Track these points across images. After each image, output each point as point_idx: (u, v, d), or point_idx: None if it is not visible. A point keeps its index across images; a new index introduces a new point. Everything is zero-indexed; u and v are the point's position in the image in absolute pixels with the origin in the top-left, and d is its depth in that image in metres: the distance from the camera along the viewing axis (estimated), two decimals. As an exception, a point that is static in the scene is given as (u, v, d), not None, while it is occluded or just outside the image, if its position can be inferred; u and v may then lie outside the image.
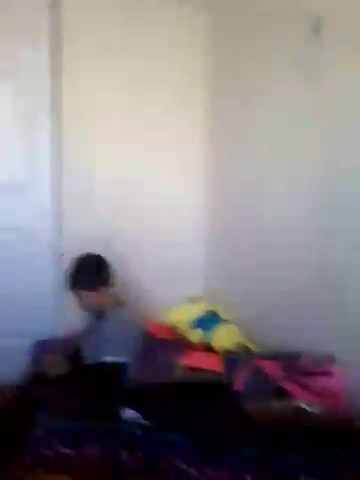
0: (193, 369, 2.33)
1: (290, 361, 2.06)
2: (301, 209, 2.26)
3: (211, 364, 2.33)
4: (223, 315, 2.61)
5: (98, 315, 2.38)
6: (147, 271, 3.04)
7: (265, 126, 2.49)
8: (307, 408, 1.79)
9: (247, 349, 2.34)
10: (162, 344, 2.66)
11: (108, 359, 2.19)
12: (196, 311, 2.68)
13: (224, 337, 2.43)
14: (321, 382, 1.92)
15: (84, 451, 1.69)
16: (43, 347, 2.58)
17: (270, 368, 2.04)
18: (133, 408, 1.92)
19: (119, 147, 2.97)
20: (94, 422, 1.82)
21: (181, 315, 2.70)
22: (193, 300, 2.79)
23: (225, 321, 2.56)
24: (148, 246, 3.05)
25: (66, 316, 2.93)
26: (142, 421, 1.85)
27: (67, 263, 2.49)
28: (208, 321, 2.57)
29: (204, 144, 3.04)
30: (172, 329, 2.71)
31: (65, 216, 2.93)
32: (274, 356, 2.13)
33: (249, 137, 2.64)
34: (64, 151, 2.88)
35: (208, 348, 2.48)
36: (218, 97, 2.94)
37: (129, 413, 1.89)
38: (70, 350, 2.42)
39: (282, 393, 1.92)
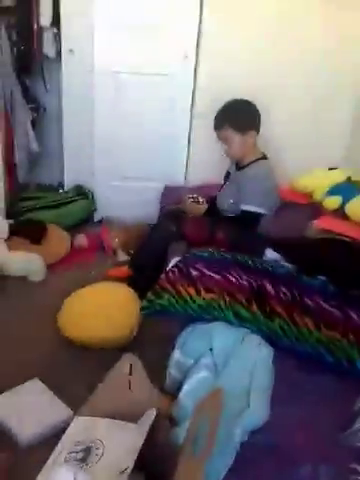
0: (327, 231, 2.30)
1: None
2: None
3: (347, 230, 2.27)
4: (365, 185, 2.48)
5: (238, 166, 2.36)
6: (285, 134, 2.91)
7: None
8: None
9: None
10: (295, 207, 2.64)
11: (247, 208, 2.22)
12: (334, 178, 2.57)
13: (365, 206, 2.33)
14: None
15: (230, 277, 1.73)
16: (180, 191, 2.64)
17: None
18: (275, 252, 1.94)
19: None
20: (239, 256, 1.86)
21: (318, 181, 2.60)
22: (332, 168, 2.67)
23: (367, 191, 2.43)
24: (288, 108, 2.89)
25: (198, 164, 2.99)
26: (285, 263, 1.87)
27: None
28: (347, 189, 2.45)
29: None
30: (307, 194, 2.66)
31: (206, 64, 2.83)
32: None
33: None
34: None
35: (345, 216, 2.41)
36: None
37: (272, 254, 1.92)
38: (206, 196, 2.47)
39: None
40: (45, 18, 2.80)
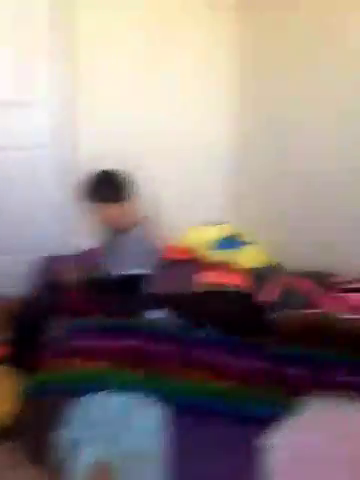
0: (213, 284, 2.32)
1: (321, 278, 2.03)
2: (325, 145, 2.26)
3: (234, 280, 2.32)
4: (246, 238, 2.58)
5: (116, 231, 2.33)
6: (163, 196, 2.98)
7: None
8: (338, 315, 1.78)
9: (276, 266, 2.31)
10: (178, 263, 2.65)
11: (127, 271, 2.17)
12: (217, 233, 2.66)
13: (250, 256, 2.41)
14: (355, 297, 1.89)
15: (112, 343, 1.67)
16: (54, 261, 2.53)
17: (301, 283, 2.01)
18: (158, 309, 1.90)
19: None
20: (121, 320, 1.81)
21: (200, 236, 2.67)
22: (214, 223, 2.75)
23: (249, 243, 2.52)
24: (165, 172, 2.96)
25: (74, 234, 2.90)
26: (171, 319, 1.84)
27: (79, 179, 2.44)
28: (231, 242, 2.55)
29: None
30: (189, 250, 2.70)
31: (81, 135, 2.83)
32: (305, 274, 2.09)
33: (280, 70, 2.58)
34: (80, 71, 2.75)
35: (230, 268, 2.47)
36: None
37: (155, 314, 1.87)
38: (84, 264, 2.38)
39: (313, 307, 1.90)
40: None
